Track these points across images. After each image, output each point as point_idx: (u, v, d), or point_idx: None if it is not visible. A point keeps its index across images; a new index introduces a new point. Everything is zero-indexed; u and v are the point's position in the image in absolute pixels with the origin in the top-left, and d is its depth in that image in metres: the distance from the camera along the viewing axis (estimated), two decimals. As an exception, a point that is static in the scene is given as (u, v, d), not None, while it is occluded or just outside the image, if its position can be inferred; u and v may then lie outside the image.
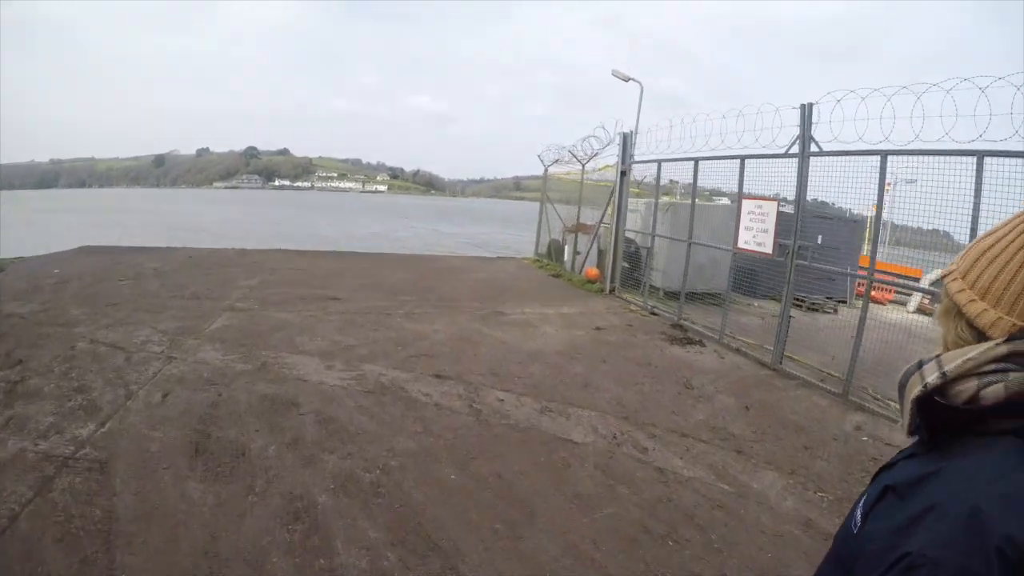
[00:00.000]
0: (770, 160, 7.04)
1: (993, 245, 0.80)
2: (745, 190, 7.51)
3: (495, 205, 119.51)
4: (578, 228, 12.27)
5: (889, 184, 10.96)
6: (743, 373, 6.37)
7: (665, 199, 11.07)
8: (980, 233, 0.89)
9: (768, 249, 6.93)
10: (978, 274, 0.80)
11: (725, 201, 11.98)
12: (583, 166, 11.82)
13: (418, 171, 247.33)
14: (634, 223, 10.78)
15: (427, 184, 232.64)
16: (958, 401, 0.77)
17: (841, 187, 6.42)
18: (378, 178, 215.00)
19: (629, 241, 11.03)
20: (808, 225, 9.28)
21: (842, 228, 12.13)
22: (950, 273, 0.85)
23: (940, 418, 0.79)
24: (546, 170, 14.03)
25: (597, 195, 12.68)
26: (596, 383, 5.65)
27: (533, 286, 10.98)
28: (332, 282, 9.92)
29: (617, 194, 10.13)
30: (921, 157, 5.39)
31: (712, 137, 7.69)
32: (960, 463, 0.75)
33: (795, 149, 6.62)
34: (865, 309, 5.95)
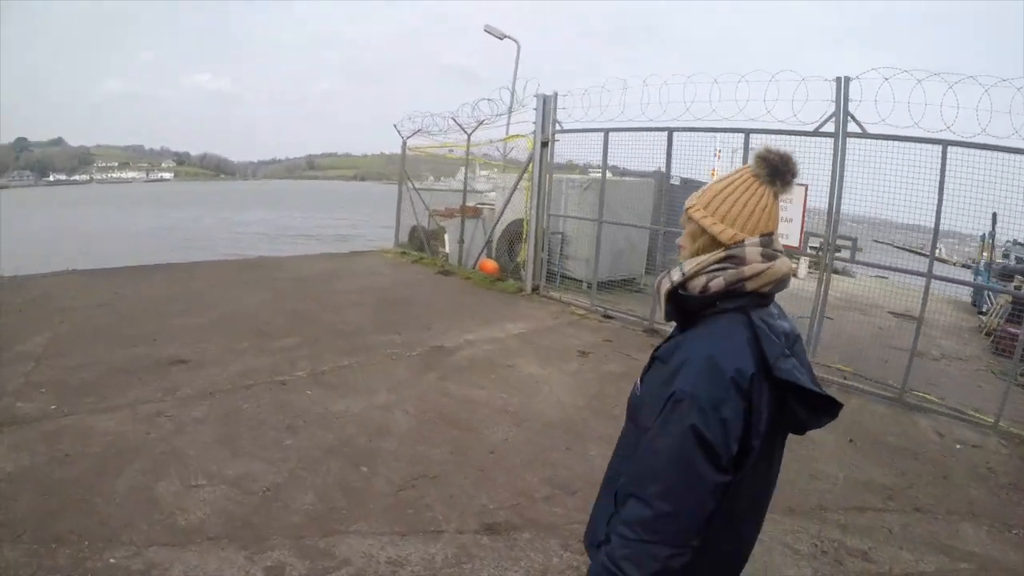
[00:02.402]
0: (781, 137, 5.65)
1: (725, 188, 1.19)
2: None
3: (292, 186, 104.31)
4: (464, 212, 9.73)
5: (720, 152, 10.50)
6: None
7: (577, 177, 9.22)
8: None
9: (793, 241, 5.62)
10: (717, 206, 1.18)
11: (608, 175, 10.59)
12: (468, 136, 9.24)
13: (205, 155, 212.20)
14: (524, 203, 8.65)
15: (216, 168, 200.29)
16: (695, 292, 1.16)
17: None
18: (163, 165, 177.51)
19: (522, 223, 8.95)
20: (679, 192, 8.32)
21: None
22: (692, 206, 1.22)
23: (685, 306, 1.19)
24: (404, 143, 11.00)
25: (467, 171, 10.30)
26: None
27: (435, 293, 8.25)
28: (162, 324, 5.95)
29: (537, 170, 7.90)
30: (985, 152, 4.56)
31: (696, 104, 5.98)
32: (698, 331, 1.16)
33: (829, 128, 5.33)
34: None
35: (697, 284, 1.16)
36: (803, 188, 5.56)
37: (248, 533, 2.79)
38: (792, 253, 9.30)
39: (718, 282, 1.14)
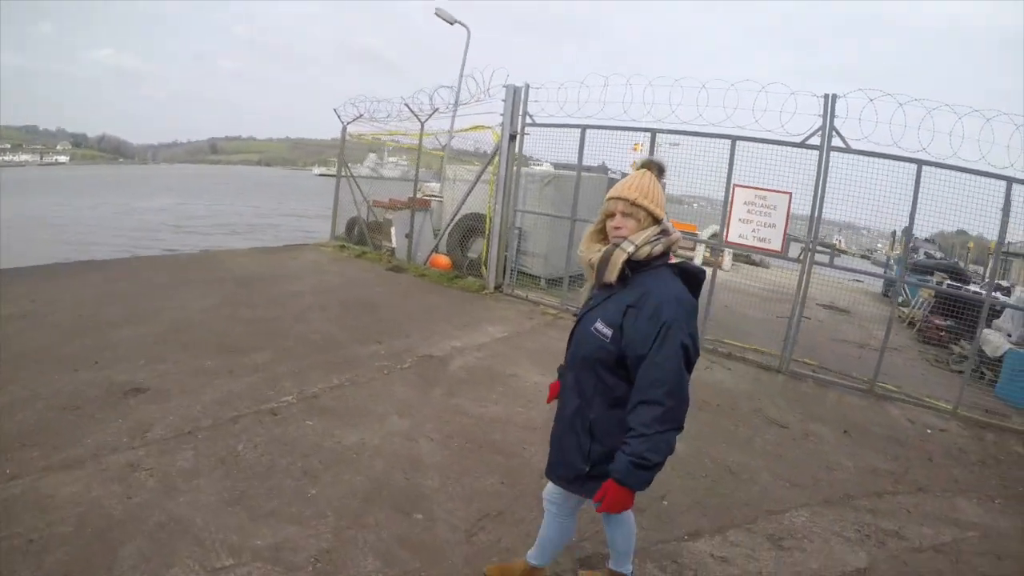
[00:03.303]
0: (768, 146, 5.85)
1: (650, 184, 1.78)
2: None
3: (196, 170, 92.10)
4: (414, 203, 9.05)
5: (640, 146, 10.94)
6: (775, 385, 5.53)
7: (536, 169, 8.92)
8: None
9: (775, 245, 5.80)
10: (654, 197, 1.77)
11: (548, 167, 10.36)
12: (422, 124, 8.56)
13: (104, 136, 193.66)
14: (482, 197, 8.19)
15: (115, 151, 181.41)
16: (641, 257, 1.72)
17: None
18: (58, 147, 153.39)
19: (477, 217, 8.51)
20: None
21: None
22: (636, 199, 1.75)
23: (632, 267, 1.74)
24: (344, 129, 9.97)
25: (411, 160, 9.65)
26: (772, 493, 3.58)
27: (395, 293, 7.56)
28: (101, 339, 4.80)
29: (503, 164, 7.47)
30: (952, 172, 5.13)
31: (682, 108, 5.94)
32: (655, 283, 1.71)
33: (815, 141, 5.57)
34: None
35: (644, 252, 1.73)
36: (787, 196, 5.72)
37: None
38: (723, 248, 9.73)
39: (659, 248, 1.74)
